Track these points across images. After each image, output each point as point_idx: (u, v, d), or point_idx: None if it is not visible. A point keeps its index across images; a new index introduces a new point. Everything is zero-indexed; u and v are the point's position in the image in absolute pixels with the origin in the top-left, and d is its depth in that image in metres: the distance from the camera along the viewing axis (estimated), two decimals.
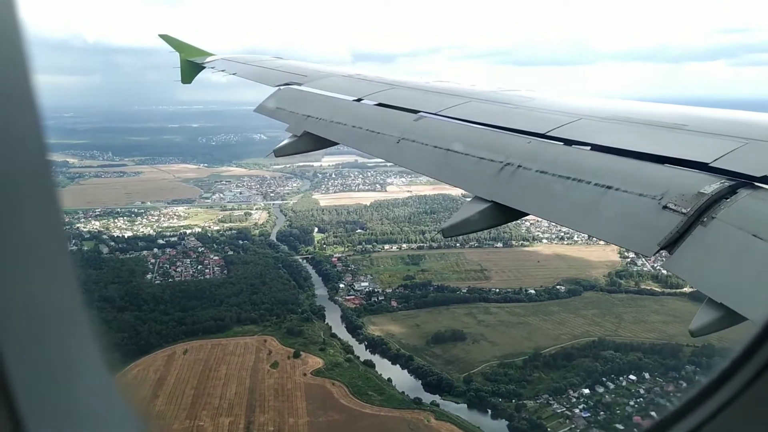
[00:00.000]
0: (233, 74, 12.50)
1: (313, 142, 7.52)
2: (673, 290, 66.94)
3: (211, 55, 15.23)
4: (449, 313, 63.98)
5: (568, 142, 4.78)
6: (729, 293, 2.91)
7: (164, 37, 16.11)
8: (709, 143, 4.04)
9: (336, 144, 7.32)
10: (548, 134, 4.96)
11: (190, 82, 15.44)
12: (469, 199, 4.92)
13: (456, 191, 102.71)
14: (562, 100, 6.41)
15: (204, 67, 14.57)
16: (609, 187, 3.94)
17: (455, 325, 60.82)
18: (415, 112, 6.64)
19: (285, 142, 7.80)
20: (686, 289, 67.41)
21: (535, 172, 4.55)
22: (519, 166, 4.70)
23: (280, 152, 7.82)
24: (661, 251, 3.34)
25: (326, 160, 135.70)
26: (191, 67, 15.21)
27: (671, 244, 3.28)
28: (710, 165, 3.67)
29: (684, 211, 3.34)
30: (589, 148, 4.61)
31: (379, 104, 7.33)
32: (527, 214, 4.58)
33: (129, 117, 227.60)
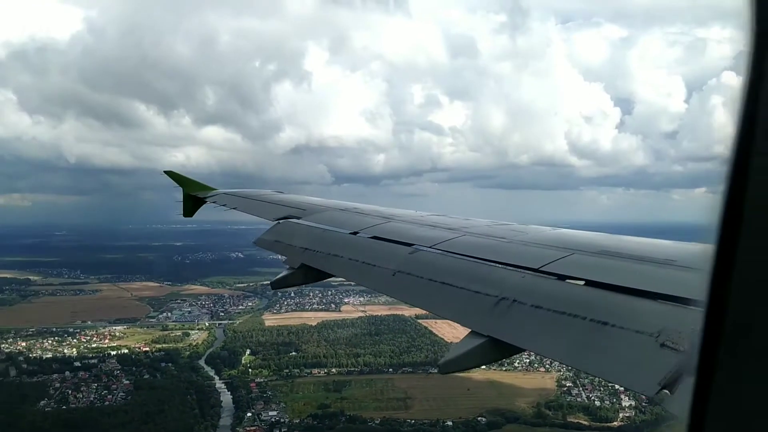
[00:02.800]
0: (234, 208, 12.60)
1: (309, 274, 7.59)
2: (602, 424, 61.32)
3: (213, 190, 15.44)
4: None
5: (562, 277, 4.76)
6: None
7: (169, 173, 16.15)
8: (698, 279, 3.63)
9: (332, 276, 7.39)
10: (542, 269, 4.94)
11: (191, 216, 15.48)
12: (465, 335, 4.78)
13: (409, 312, 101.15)
14: (554, 234, 6.51)
15: (206, 201, 14.75)
16: (605, 323, 3.85)
17: None
18: (411, 245, 6.62)
19: (282, 274, 7.86)
20: (615, 424, 61.93)
21: (531, 306, 4.47)
22: (514, 300, 4.62)
23: (277, 285, 7.89)
24: (663, 391, 3.18)
25: None
26: (193, 201, 15.28)
27: (672, 383, 3.15)
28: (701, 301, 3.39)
29: (682, 348, 3.29)
30: (583, 282, 4.55)
31: (375, 237, 7.38)
32: (524, 350, 4.53)
33: (118, 235, 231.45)
